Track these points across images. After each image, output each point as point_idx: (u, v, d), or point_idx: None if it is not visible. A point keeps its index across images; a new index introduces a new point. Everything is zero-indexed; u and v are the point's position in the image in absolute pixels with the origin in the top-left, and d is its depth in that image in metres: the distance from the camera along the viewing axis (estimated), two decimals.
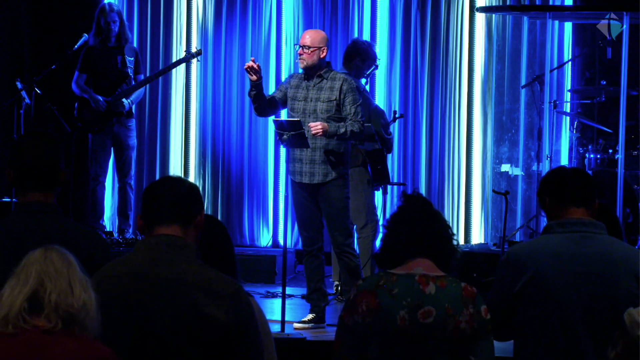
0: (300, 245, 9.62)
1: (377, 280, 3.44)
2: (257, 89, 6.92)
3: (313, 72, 6.96)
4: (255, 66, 6.84)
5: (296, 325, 6.94)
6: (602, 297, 3.71)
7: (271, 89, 9.46)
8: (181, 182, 3.27)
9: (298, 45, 7.02)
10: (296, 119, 6.87)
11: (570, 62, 9.50)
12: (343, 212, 6.95)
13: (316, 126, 6.75)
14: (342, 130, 6.81)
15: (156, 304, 3.08)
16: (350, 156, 7.18)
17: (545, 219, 4.13)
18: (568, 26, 9.57)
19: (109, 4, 9.14)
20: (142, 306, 3.09)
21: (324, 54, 6.96)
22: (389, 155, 8.46)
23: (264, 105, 7.00)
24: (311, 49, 6.93)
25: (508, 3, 9.58)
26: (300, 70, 7.07)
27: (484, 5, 9.55)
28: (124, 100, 8.98)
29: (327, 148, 6.90)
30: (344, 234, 6.95)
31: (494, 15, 9.51)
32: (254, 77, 6.86)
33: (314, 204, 6.98)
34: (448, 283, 3.41)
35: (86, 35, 8.95)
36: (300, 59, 6.97)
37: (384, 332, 3.36)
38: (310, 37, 6.99)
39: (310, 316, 7.02)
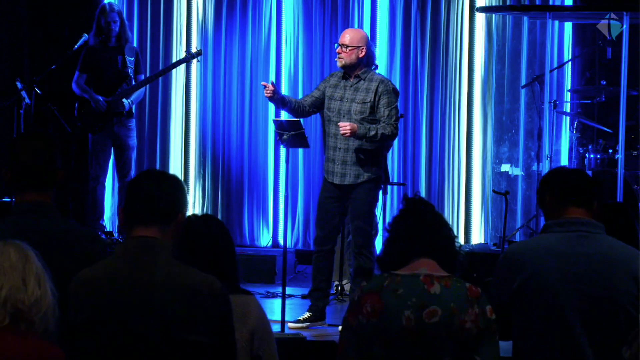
0: (300, 245, 9.67)
1: (382, 281, 3.43)
2: (273, 101, 7.01)
3: (351, 71, 6.95)
4: (269, 86, 6.87)
5: (291, 325, 6.92)
6: (601, 298, 3.70)
7: None
8: (165, 180, 3.22)
9: (337, 44, 7.00)
10: (296, 119, 6.86)
11: (570, 62, 9.50)
12: (368, 214, 6.97)
13: (345, 126, 6.73)
14: (373, 132, 6.78)
15: (133, 307, 3.09)
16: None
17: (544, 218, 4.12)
18: (568, 26, 9.57)
19: (109, 4, 9.14)
20: (120, 309, 3.09)
21: (363, 53, 6.93)
22: (389, 155, 8.44)
23: (294, 109, 7.01)
24: (349, 48, 6.91)
25: (508, 3, 9.57)
26: (340, 69, 7.04)
27: (484, 5, 9.55)
28: (124, 100, 8.97)
29: (359, 149, 6.89)
30: (364, 236, 6.95)
31: (494, 15, 9.50)
32: (267, 95, 6.91)
33: (338, 205, 6.97)
34: (452, 283, 3.40)
35: (86, 35, 8.94)
36: (338, 57, 6.95)
37: (389, 333, 3.35)
38: (350, 36, 6.97)
39: (306, 315, 7.01)
